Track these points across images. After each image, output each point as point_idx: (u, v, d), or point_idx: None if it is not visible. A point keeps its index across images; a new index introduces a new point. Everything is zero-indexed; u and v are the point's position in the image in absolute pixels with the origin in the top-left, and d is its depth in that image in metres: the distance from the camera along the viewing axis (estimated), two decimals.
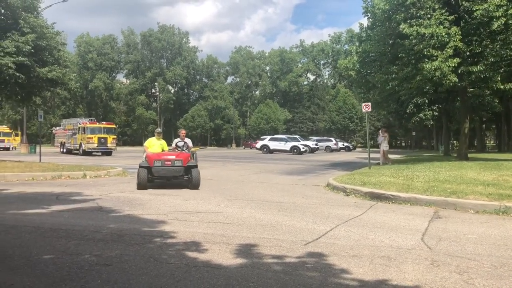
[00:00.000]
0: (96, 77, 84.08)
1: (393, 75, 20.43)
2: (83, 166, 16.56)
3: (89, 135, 34.78)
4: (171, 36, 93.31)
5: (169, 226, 6.48)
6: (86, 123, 36.51)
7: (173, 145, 12.92)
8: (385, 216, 7.61)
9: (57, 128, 47.44)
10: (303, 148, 45.10)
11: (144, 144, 12.89)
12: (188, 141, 13.08)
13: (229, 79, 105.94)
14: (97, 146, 34.77)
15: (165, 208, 8.23)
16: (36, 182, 12.67)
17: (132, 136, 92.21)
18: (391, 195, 9.44)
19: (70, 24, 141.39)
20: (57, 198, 9.33)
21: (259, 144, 48.84)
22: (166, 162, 11.54)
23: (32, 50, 17.54)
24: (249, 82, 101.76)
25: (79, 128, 36.38)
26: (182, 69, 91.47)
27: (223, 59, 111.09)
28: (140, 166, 11.49)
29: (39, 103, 26.03)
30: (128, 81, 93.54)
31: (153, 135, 13.43)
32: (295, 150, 44.05)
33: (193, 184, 11.35)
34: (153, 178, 11.56)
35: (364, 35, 23.80)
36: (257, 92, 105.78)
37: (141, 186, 11.09)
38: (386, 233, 6.19)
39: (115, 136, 37.24)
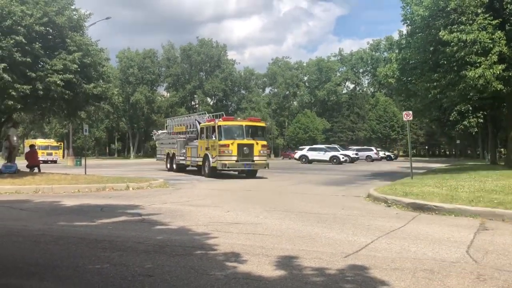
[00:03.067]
0: (137, 91, 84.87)
1: (435, 83, 19.84)
2: (126, 178, 16.91)
3: (224, 141, 20.62)
4: (210, 50, 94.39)
5: (208, 237, 6.52)
6: (214, 120, 22.16)
7: None
8: (428, 228, 7.38)
9: (159, 132, 32.47)
10: (343, 158, 44.60)
11: None
12: None
13: (267, 90, 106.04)
14: (237, 160, 20.54)
15: (205, 219, 8.26)
16: (82, 194, 13.10)
17: None
18: (435, 206, 9.15)
19: (115, 42, 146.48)
20: (102, 210, 9.56)
21: (297, 154, 48.67)
22: None
23: (78, 69, 18.25)
24: (287, 93, 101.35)
25: (201, 129, 22.85)
26: (220, 81, 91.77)
27: (264, 71, 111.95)
28: None
29: (84, 117, 26.47)
30: (168, 94, 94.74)
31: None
32: (335, 160, 43.63)
33: None
34: None
35: (404, 42, 23.30)
36: (295, 102, 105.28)
37: None
38: (429, 246, 6.00)
39: (265, 143, 21.95)
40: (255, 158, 20.90)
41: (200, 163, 22.43)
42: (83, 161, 30.12)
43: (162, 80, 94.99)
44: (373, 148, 62.63)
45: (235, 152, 20.57)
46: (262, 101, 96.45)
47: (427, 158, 77.32)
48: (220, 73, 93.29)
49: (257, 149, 20.94)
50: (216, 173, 21.27)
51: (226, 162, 20.38)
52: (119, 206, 10.12)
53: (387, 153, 64.43)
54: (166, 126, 30.34)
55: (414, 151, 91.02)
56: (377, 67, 68.97)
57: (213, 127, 21.34)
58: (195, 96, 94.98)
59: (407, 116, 17.36)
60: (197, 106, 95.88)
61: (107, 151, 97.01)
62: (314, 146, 51.92)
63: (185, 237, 6.52)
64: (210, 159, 21.12)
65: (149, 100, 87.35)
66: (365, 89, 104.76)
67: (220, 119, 22.13)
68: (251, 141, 20.88)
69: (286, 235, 6.78)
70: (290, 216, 8.70)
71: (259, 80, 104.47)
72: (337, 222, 8.06)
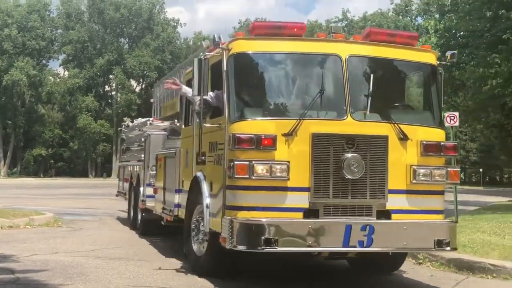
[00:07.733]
0: (15, 66, 55.43)
1: (495, 69, 15.72)
2: None
3: (248, 123, 5.05)
4: (136, 2, 62.64)
5: None
6: (222, 42, 5.42)
7: None
8: None
9: (136, 122, 12.14)
10: None
11: None
12: None
13: None
14: (310, 209, 4.95)
15: (120, 281, 6.10)
16: None
17: (71, 161, 64.51)
18: (491, 264, 7.38)
19: None
20: None
21: None
22: None
23: None
24: None
25: (187, 83, 6.78)
26: (153, 53, 61.06)
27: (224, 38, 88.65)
28: None
29: None
30: (66, 72, 63.86)
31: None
32: None
33: None
34: None
35: (449, 2, 19.06)
36: None
37: None
38: None
39: (441, 134, 5.68)
40: (391, 201, 5.21)
41: (179, 212, 7.03)
42: None
43: (56, 49, 63.83)
44: None
45: (302, 176, 4.94)
46: None
47: (481, 188, 55.66)
48: (153, 41, 62.13)
49: (403, 160, 5.29)
50: (231, 264, 5.81)
51: (264, 218, 4.85)
52: None
53: None
54: (153, 103, 13.63)
55: (462, 175, 66.00)
56: None
57: (217, 63, 5.56)
58: (110, 76, 63.80)
59: (450, 119, 13.10)
60: (113, 93, 65.98)
61: None
62: None
63: None
64: (207, 200, 5.70)
65: (33, 81, 57.39)
66: None
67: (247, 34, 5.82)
68: (378, 127, 5.24)
69: None
70: None
71: None
72: None
